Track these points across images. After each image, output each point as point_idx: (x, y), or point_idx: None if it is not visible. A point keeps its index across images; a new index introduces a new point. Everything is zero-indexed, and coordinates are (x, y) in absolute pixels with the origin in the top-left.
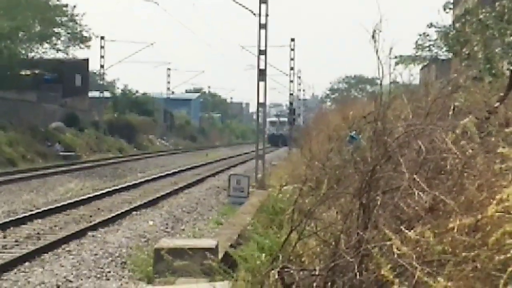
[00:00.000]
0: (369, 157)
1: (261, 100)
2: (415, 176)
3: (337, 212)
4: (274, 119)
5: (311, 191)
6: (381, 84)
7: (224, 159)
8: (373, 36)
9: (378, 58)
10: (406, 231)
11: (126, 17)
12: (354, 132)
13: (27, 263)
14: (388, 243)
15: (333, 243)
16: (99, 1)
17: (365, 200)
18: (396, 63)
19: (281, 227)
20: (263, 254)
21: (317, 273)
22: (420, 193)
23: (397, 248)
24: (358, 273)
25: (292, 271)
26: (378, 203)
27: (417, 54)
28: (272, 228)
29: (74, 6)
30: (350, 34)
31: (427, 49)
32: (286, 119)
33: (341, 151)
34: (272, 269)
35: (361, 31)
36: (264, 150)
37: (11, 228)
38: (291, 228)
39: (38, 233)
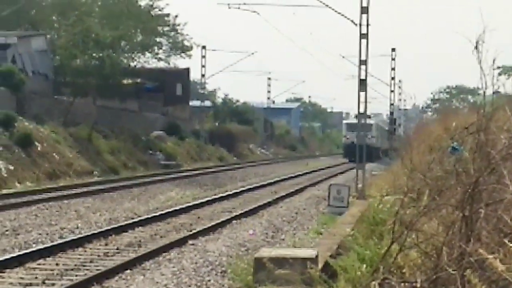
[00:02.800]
0: (471, 169)
1: (362, 110)
2: None
3: (438, 224)
4: (353, 120)
5: (412, 202)
6: (484, 94)
7: (324, 168)
8: (476, 47)
9: (481, 68)
10: (510, 244)
11: (227, 26)
12: (455, 143)
13: (128, 271)
14: (491, 257)
15: (435, 255)
16: (201, 11)
17: (467, 212)
18: (499, 73)
19: (381, 238)
20: (364, 265)
21: (418, 285)
22: None
23: (499, 262)
24: (460, 286)
25: (393, 283)
26: (481, 215)
27: None
28: (372, 239)
29: (176, 16)
30: (452, 44)
31: None
32: (372, 122)
33: (443, 162)
34: (373, 280)
35: (463, 41)
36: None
37: (113, 235)
38: (392, 239)
39: (139, 241)
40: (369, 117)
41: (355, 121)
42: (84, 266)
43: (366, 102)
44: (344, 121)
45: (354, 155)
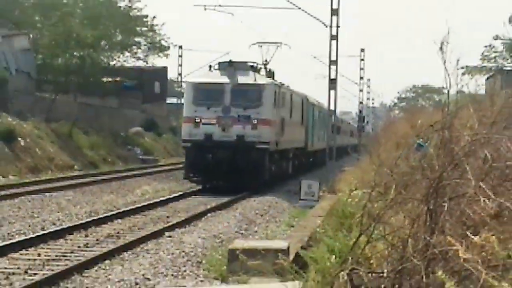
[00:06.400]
0: (436, 165)
1: (332, 108)
2: (481, 183)
3: (404, 217)
4: (213, 78)
5: (379, 196)
6: (448, 93)
7: None
8: (441, 48)
9: (446, 68)
10: (472, 236)
11: (203, 27)
12: (421, 140)
13: (107, 261)
14: (454, 248)
15: (401, 247)
16: (178, 12)
17: (432, 206)
18: (463, 74)
19: (350, 231)
20: (333, 256)
21: (385, 275)
22: (486, 200)
23: (462, 253)
24: (425, 276)
25: (361, 273)
26: (445, 209)
27: (483, 65)
28: (341, 231)
29: (154, 17)
30: (419, 44)
31: (493, 60)
32: (264, 82)
33: (409, 158)
34: (342, 271)
35: (430, 41)
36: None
37: (93, 227)
38: (360, 231)
39: (118, 233)
40: (255, 68)
41: (217, 79)
42: (65, 256)
43: (336, 100)
44: (189, 80)
45: (213, 168)
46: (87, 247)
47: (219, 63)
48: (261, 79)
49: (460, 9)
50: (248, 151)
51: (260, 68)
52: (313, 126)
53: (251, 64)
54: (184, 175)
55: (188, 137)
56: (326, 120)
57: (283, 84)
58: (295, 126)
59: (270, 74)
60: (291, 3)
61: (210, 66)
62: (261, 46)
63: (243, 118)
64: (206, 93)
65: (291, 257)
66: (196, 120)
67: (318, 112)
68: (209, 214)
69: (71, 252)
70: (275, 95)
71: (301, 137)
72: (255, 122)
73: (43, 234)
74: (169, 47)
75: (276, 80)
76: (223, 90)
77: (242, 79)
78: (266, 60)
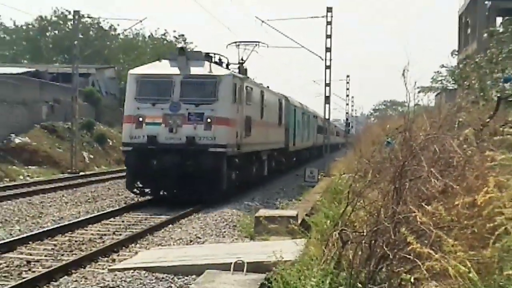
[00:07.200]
0: (400, 156)
1: (327, 117)
2: (432, 169)
3: (378, 193)
4: (157, 70)
5: (360, 179)
6: (408, 106)
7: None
8: (403, 74)
9: (406, 88)
10: (426, 206)
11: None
12: (390, 138)
13: (170, 225)
14: (414, 214)
15: (376, 214)
16: (219, 48)
17: (397, 185)
18: (419, 92)
19: (340, 202)
20: (328, 221)
21: (365, 234)
22: (435, 180)
23: (419, 218)
24: (393, 234)
25: (348, 233)
26: (407, 187)
27: (432, 85)
28: (334, 203)
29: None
30: (389, 71)
31: (440, 82)
32: (223, 73)
33: (381, 151)
34: (334, 231)
35: (394, 69)
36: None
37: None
38: (347, 203)
39: (178, 206)
40: (213, 58)
41: (165, 70)
42: (141, 222)
43: (329, 112)
44: (131, 72)
45: (159, 177)
46: (157, 215)
47: (170, 53)
48: (218, 70)
49: (418, 39)
50: (200, 155)
51: (229, 63)
52: (295, 127)
53: (207, 53)
54: (126, 186)
55: (129, 139)
56: (311, 122)
57: (247, 78)
58: (269, 127)
59: (243, 72)
60: (296, 42)
61: (159, 58)
62: (238, 45)
63: (195, 116)
64: (151, 87)
65: (299, 221)
66: (139, 119)
67: (302, 113)
68: (241, 193)
69: (145, 219)
70: (235, 89)
71: (280, 138)
72: (209, 121)
73: (125, 207)
74: None
75: (239, 73)
76: (172, 83)
77: (194, 70)
78: (242, 59)
